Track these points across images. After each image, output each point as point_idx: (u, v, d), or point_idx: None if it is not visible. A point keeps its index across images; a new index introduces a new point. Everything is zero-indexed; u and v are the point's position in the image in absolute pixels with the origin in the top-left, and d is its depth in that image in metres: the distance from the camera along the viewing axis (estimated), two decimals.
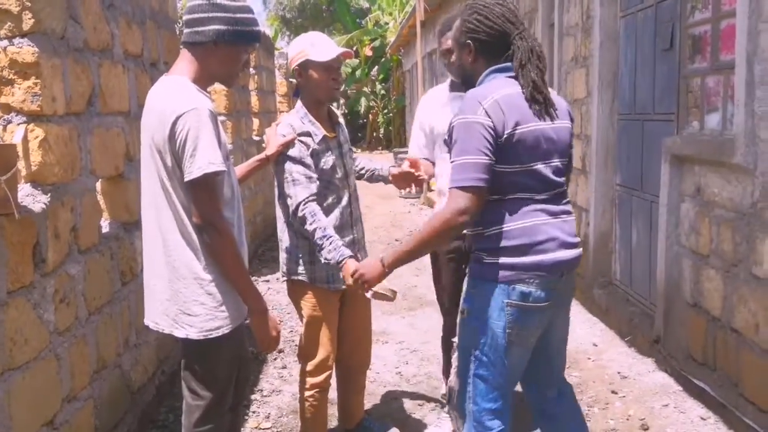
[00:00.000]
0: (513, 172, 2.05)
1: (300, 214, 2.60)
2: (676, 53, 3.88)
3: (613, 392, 3.69)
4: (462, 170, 2.00)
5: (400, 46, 19.81)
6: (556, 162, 2.12)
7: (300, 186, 2.62)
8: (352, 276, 2.28)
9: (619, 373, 3.91)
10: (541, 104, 2.07)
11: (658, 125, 4.18)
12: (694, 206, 3.61)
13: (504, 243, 2.06)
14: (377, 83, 25.27)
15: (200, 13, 2.10)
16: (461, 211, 1.99)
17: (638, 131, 4.49)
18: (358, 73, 24.55)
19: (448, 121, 2.86)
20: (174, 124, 2.00)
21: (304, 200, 2.60)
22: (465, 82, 2.24)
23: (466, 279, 2.21)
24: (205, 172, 1.99)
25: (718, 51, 3.44)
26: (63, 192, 2.54)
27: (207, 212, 2.04)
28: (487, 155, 1.99)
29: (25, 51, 2.35)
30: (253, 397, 3.72)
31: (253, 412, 3.56)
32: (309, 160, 2.66)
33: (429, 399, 3.67)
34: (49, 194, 2.41)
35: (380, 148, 25.08)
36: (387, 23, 22.73)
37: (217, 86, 6.12)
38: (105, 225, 3.12)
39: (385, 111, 25.03)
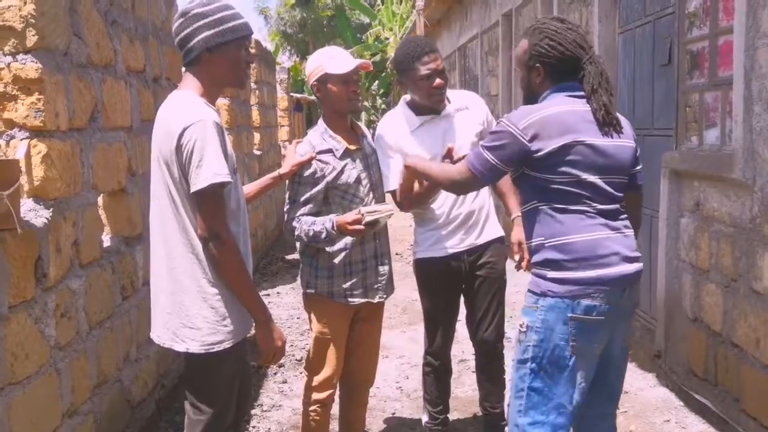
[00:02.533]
0: (564, 182, 2.10)
1: (288, 227, 2.72)
2: (674, 69, 3.91)
3: None
4: (476, 157, 2.19)
5: None
6: (615, 178, 2.17)
7: (295, 206, 2.70)
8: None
9: None
10: (610, 125, 2.14)
11: (657, 140, 4.20)
12: (694, 221, 3.62)
13: (566, 256, 2.09)
14: (378, 97, 25.38)
15: (184, 31, 2.12)
16: (453, 181, 2.29)
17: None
18: None
19: (419, 147, 2.88)
20: (180, 135, 2.01)
21: (292, 218, 2.70)
22: (529, 100, 2.30)
23: (526, 294, 2.21)
24: (211, 183, 2.00)
25: (716, 67, 3.46)
26: (65, 207, 2.55)
27: (212, 224, 2.04)
28: (500, 159, 2.14)
29: (29, 67, 2.37)
30: (253, 412, 3.70)
31: (253, 427, 3.55)
32: (321, 186, 2.67)
33: None
34: (51, 209, 2.43)
35: None
36: (387, 38, 22.84)
37: (219, 101, 6.15)
38: (106, 239, 3.13)
39: None
